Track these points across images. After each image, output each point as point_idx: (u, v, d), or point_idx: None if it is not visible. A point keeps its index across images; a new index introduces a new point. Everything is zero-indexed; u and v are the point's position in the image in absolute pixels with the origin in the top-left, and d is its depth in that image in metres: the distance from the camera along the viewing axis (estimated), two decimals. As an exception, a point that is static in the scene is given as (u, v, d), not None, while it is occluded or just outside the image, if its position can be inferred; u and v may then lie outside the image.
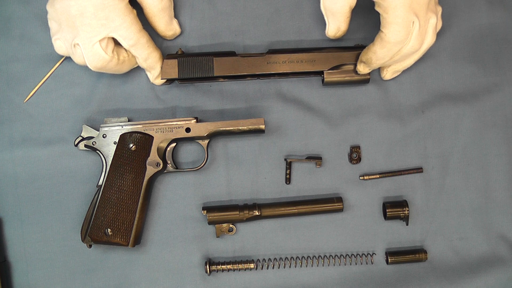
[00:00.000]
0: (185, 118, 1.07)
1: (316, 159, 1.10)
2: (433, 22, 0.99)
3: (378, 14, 0.97)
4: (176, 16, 1.10)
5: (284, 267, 1.10)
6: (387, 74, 1.08)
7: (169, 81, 1.09)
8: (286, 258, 1.10)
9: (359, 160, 1.11)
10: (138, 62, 1.05)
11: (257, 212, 1.07)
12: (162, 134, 1.06)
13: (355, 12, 1.03)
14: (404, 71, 1.10)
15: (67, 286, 1.10)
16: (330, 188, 1.12)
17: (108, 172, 1.04)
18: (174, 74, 1.06)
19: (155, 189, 1.11)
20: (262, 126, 1.05)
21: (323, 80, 1.09)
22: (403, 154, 1.12)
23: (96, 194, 1.05)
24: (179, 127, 1.06)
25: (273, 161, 1.11)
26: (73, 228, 1.09)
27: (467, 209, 1.12)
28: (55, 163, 1.10)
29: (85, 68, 1.03)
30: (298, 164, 1.12)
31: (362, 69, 1.05)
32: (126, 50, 1.03)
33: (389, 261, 1.10)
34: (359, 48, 1.06)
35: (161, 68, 1.06)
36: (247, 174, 1.11)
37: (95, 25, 0.95)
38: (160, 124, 1.06)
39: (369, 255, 1.11)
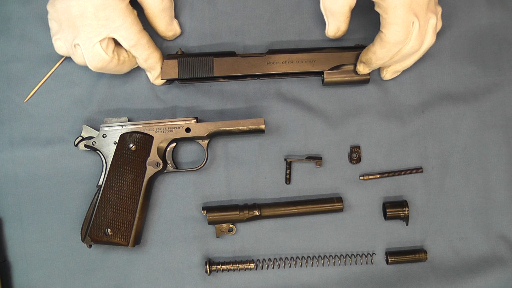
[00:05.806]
0: (185, 118, 1.07)
1: (316, 159, 1.10)
2: (433, 23, 0.98)
3: (378, 14, 0.97)
4: (176, 16, 1.10)
5: (284, 267, 1.10)
6: (387, 74, 1.08)
7: (169, 81, 1.09)
8: (286, 258, 1.10)
9: (359, 160, 1.11)
10: (138, 62, 1.05)
11: (257, 212, 1.07)
12: (162, 134, 1.06)
13: (355, 12, 1.03)
14: (404, 71, 1.10)
15: (67, 286, 1.10)
16: (330, 188, 1.12)
17: (108, 172, 1.04)
18: (174, 74, 1.06)
19: (155, 189, 1.11)
20: (262, 126, 1.05)
21: (323, 80, 1.09)
22: (403, 154, 1.12)
23: (96, 194, 1.05)
24: (179, 127, 1.06)
25: (273, 161, 1.11)
26: (73, 228, 1.09)
27: (467, 209, 1.12)
28: (55, 163, 1.10)
29: (85, 68, 1.03)
30: (298, 164, 1.12)
31: (362, 69, 1.05)
32: (126, 50, 1.03)
33: (389, 261, 1.10)
34: (359, 48, 1.06)
35: (161, 68, 1.06)
36: (247, 174, 1.11)
37: (96, 26, 0.95)
38: (160, 124, 1.06)
39: (369, 255, 1.11)
